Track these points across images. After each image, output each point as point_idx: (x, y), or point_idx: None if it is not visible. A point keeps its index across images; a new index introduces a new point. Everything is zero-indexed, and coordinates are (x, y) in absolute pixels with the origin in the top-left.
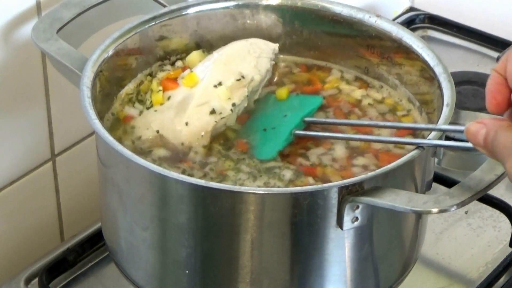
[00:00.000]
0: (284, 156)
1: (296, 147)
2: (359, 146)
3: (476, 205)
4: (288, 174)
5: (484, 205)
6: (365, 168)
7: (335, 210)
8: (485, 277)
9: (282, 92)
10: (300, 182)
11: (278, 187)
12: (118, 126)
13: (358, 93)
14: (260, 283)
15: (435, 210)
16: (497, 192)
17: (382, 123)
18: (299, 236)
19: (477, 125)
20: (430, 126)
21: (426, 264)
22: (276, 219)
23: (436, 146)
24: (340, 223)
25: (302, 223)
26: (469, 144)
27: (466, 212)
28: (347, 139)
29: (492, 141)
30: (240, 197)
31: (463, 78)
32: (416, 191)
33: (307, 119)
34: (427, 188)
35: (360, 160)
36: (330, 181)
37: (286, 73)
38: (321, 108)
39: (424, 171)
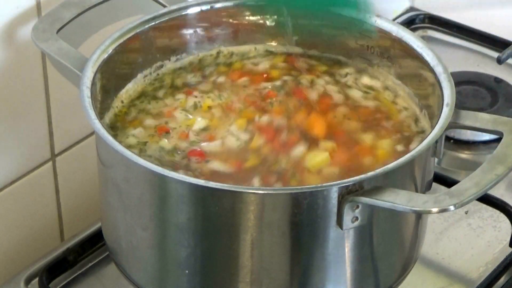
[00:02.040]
0: None
1: None
2: None
3: (476, 205)
4: None
5: (484, 205)
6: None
7: (335, 209)
8: (485, 277)
9: None
10: None
11: None
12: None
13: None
14: (260, 283)
15: (435, 210)
16: (497, 192)
17: None
18: (299, 236)
19: None
20: None
21: (426, 264)
22: (276, 219)
23: None
24: (340, 223)
25: (302, 223)
26: None
27: (466, 212)
28: None
29: None
30: (240, 197)
31: (463, 78)
32: (416, 191)
33: None
34: (427, 188)
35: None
36: None
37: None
38: None
39: (424, 171)
